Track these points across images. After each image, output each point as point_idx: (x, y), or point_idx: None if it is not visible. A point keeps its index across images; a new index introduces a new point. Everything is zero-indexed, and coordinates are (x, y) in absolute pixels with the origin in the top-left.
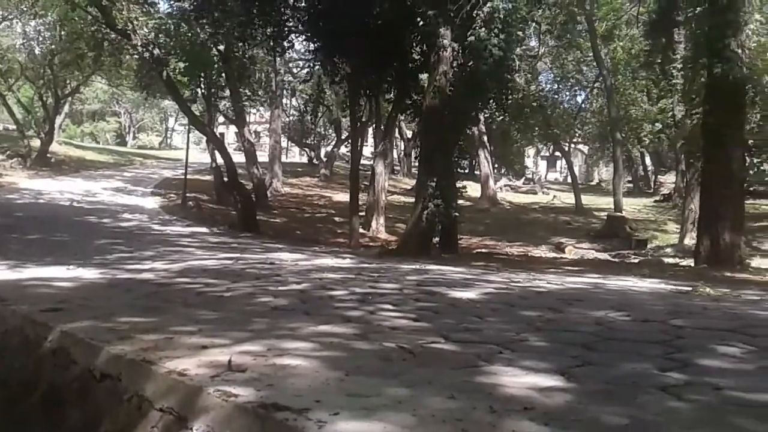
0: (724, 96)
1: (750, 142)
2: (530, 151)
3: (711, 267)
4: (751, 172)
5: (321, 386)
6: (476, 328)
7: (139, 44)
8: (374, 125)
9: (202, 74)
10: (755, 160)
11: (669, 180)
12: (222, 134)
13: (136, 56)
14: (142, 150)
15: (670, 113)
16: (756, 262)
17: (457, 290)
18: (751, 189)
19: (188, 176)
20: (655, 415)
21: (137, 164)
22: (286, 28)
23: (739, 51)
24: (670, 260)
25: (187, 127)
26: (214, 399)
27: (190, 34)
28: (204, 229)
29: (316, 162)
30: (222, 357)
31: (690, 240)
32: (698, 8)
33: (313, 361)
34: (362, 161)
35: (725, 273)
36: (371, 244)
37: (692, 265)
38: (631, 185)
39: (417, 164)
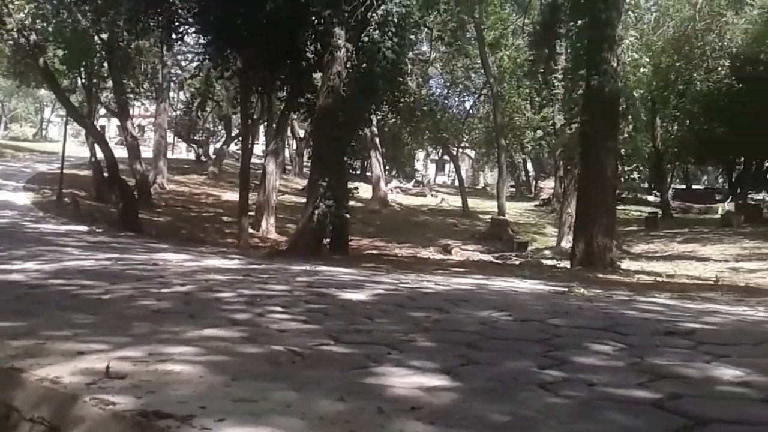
0: (600, 107)
1: (622, 151)
2: (420, 155)
3: (585, 268)
4: (622, 179)
5: (206, 392)
6: (366, 329)
7: (14, 29)
8: (266, 123)
9: (83, 63)
10: (626, 169)
11: (548, 185)
12: (103, 127)
13: (10, 42)
14: (15, 142)
15: (551, 122)
16: (626, 264)
17: (347, 291)
18: (622, 195)
19: (65, 171)
20: (535, 412)
21: (8, 157)
22: (175, 20)
23: (615, 65)
24: (549, 262)
25: (64, 118)
26: (90, 408)
27: (70, 21)
28: (81, 228)
29: (204, 159)
30: (99, 363)
31: (567, 243)
32: (578, 22)
33: (197, 366)
34: (253, 160)
35: (598, 274)
36: (261, 244)
37: (568, 266)
38: (513, 190)
39: (309, 164)
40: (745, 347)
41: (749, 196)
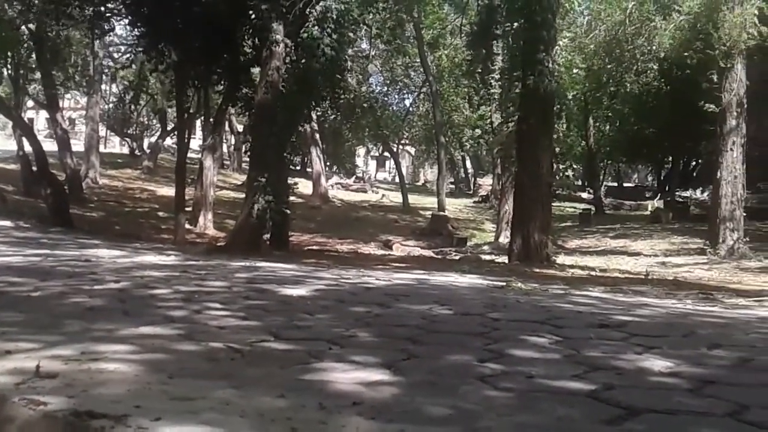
0: (536, 106)
1: (556, 149)
2: (361, 151)
3: (523, 263)
4: (557, 177)
5: (142, 391)
6: (306, 325)
7: None
8: (203, 117)
9: (9, 54)
10: (560, 166)
11: (487, 182)
12: (31, 120)
13: None
14: None
15: (489, 120)
16: (561, 258)
17: (287, 287)
18: (557, 192)
19: None
20: (474, 405)
21: None
22: (106, 10)
23: (550, 66)
24: (487, 257)
25: None
26: (19, 408)
27: None
28: (8, 223)
29: (139, 153)
30: (29, 362)
31: (504, 238)
32: (515, 24)
33: (132, 364)
34: (190, 154)
35: (535, 269)
36: (198, 240)
37: (506, 261)
38: (453, 186)
39: (248, 159)
40: (674, 339)
41: (677, 193)
